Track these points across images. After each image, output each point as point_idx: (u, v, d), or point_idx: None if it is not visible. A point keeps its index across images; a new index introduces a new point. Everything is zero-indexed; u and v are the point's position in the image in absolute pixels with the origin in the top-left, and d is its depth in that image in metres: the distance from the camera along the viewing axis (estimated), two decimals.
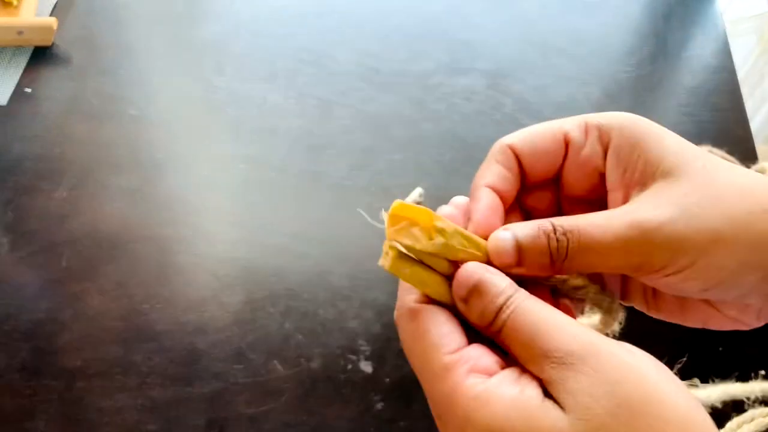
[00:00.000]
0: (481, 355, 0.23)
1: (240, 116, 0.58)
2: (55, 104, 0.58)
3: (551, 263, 0.25)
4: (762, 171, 0.50)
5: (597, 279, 0.28)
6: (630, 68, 0.63)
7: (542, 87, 0.61)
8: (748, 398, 0.42)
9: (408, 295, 0.26)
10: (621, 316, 0.28)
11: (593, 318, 0.28)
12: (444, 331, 0.24)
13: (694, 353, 0.40)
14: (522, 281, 0.25)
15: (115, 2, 0.66)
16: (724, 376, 0.46)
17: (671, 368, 0.23)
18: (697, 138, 0.57)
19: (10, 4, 0.61)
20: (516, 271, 0.25)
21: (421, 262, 0.25)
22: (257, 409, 0.44)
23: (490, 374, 0.23)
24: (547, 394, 0.22)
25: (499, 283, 0.24)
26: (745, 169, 0.26)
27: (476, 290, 0.24)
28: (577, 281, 0.27)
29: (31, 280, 0.48)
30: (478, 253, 0.25)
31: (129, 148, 0.56)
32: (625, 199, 0.26)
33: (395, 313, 0.26)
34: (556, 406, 0.21)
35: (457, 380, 0.22)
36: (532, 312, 0.23)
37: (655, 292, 0.29)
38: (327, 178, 0.55)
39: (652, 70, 0.63)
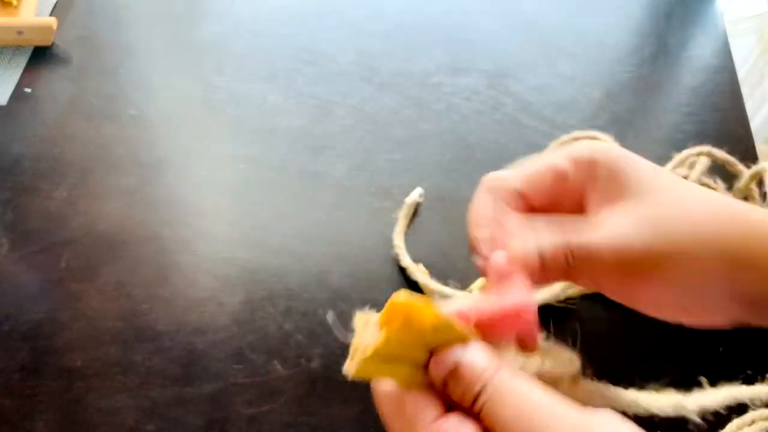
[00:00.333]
0: (458, 424, 0.23)
1: (240, 116, 0.58)
2: (55, 104, 0.58)
3: (566, 273, 0.27)
4: (762, 171, 0.50)
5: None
6: (630, 68, 0.63)
7: (543, 87, 0.61)
8: (753, 401, 0.42)
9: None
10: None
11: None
12: (420, 405, 0.24)
13: (693, 354, 0.40)
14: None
15: (115, 2, 0.66)
16: (727, 377, 0.46)
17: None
18: (698, 138, 0.57)
19: (9, 4, 0.61)
20: (538, 277, 0.27)
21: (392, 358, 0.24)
22: (257, 409, 0.44)
23: None
24: None
25: (478, 364, 0.24)
26: (709, 190, 0.28)
27: (453, 376, 0.24)
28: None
29: (31, 280, 0.48)
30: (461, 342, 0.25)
31: (129, 148, 0.56)
32: (604, 216, 0.28)
33: (372, 390, 0.26)
34: None
35: None
36: (514, 394, 0.23)
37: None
38: (327, 178, 0.55)
39: (653, 70, 0.63)
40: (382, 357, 0.23)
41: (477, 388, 0.23)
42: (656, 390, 0.30)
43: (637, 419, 0.25)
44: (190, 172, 0.55)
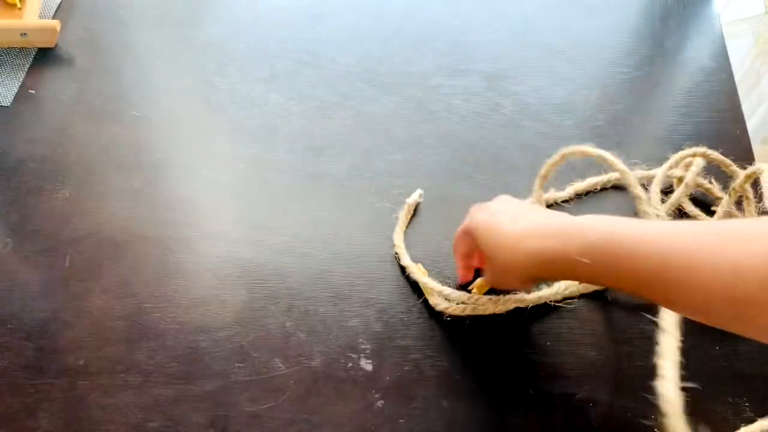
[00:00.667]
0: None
1: (241, 117, 0.59)
2: (59, 105, 0.58)
3: None
4: (758, 172, 0.50)
5: None
6: (628, 70, 0.63)
7: (541, 88, 0.61)
8: None
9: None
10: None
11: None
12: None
13: (691, 354, 0.41)
14: None
15: (117, 4, 0.67)
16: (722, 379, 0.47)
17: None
18: (695, 139, 0.58)
19: (13, 7, 0.62)
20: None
21: None
22: (259, 406, 0.44)
23: None
24: None
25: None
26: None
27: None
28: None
29: (35, 279, 0.49)
30: None
31: (131, 148, 0.56)
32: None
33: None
34: None
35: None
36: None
37: None
38: (327, 178, 0.55)
39: (650, 71, 0.63)
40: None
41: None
42: None
43: None
44: (192, 172, 0.55)
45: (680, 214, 0.53)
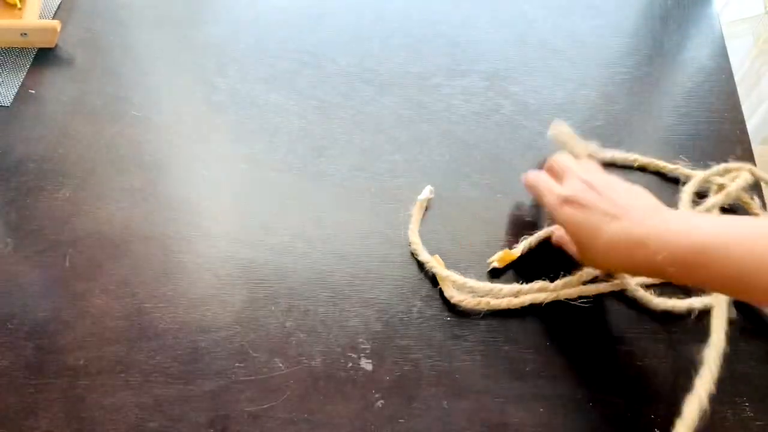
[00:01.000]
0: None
1: (241, 117, 0.59)
2: (59, 105, 0.58)
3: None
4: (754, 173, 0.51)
5: None
6: (627, 70, 0.63)
7: (541, 88, 0.62)
8: None
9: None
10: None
11: None
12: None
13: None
14: None
15: (117, 4, 0.67)
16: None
17: None
18: (694, 139, 0.58)
19: (14, 7, 0.62)
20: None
21: None
22: (259, 406, 0.44)
23: None
24: None
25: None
26: None
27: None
28: None
29: (35, 279, 0.49)
30: None
31: (132, 148, 0.56)
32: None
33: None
34: None
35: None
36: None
37: None
38: (328, 178, 0.55)
39: (650, 71, 0.63)
40: None
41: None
42: None
43: None
44: (193, 172, 0.55)
45: None
